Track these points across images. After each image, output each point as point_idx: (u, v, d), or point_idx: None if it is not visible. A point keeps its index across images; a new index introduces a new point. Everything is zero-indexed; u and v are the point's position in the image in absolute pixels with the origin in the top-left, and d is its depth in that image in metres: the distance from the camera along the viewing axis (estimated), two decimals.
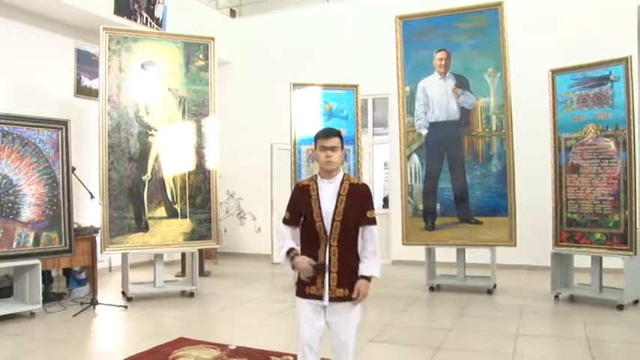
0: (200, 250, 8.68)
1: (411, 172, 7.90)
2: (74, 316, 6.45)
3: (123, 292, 7.46)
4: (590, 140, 6.76)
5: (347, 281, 3.31)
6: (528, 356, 4.90)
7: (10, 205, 6.41)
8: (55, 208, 6.78)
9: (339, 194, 3.34)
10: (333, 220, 3.31)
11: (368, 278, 3.30)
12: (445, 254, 8.12)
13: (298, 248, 3.41)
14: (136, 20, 8.80)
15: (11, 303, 6.61)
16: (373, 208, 3.41)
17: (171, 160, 7.55)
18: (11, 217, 6.41)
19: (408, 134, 7.91)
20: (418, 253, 8.22)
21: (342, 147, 3.39)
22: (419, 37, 7.82)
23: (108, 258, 8.88)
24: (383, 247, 10.32)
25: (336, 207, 3.31)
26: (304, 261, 3.29)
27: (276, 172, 10.46)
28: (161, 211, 7.48)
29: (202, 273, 9.05)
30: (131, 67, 7.36)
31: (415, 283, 8.20)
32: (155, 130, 7.48)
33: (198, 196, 7.67)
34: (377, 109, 10.99)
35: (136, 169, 7.35)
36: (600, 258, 6.81)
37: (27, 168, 6.60)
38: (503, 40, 7.33)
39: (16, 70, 7.95)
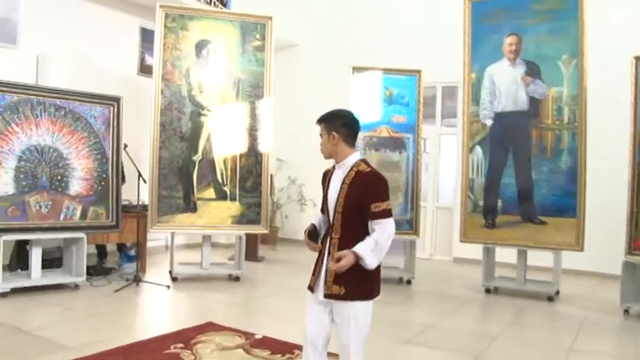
0: (254, 235, 8.57)
1: (472, 166, 7.38)
2: (116, 291, 6.48)
3: (170, 272, 7.44)
4: None
5: (345, 279, 2.97)
6: None
7: (59, 178, 6.50)
8: (103, 183, 6.83)
9: (343, 182, 3.05)
10: (335, 210, 3.05)
11: (355, 254, 2.88)
12: (506, 255, 7.54)
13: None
14: None
15: (59, 274, 6.74)
16: (382, 200, 2.97)
17: (223, 141, 7.43)
18: (60, 189, 6.50)
19: (471, 124, 7.39)
20: (480, 251, 7.68)
21: (337, 132, 3.04)
22: (489, 19, 7.25)
23: (165, 236, 8.91)
24: (446, 242, 9.87)
25: (338, 196, 3.05)
26: (307, 242, 3.19)
27: None
28: (210, 193, 7.39)
29: (256, 258, 8.92)
30: (186, 45, 7.28)
31: (471, 283, 7.69)
32: (208, 109, 7.38)
33: (248, 179, 7.51)
34: (452, 98, 10.42)
35: (186, 148, 7.29)
36: None
37: (77, 142, 6.67)
38: (581, 24, 6.64)
39: (81, 48, 8.14)
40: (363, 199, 2.96)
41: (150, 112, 7.17)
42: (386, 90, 7.83)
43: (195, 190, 7.32)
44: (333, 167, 3.18)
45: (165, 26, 7.14)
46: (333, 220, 3.05)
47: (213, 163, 7.41)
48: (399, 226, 8.03)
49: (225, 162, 7.44)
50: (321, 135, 3.11)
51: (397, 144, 7.83)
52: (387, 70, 7.89)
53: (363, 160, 3.09)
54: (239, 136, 7.49)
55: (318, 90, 10.92)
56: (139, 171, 6.94)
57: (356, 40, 10.60)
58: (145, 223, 7.25)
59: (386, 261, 3.25)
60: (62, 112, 6.55)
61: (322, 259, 3.09)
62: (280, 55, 10.89)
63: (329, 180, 3.16)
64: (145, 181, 6.98)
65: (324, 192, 3.19)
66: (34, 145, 6.35)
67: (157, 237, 8.31)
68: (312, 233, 3.17)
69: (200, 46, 7.33)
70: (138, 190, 7.00)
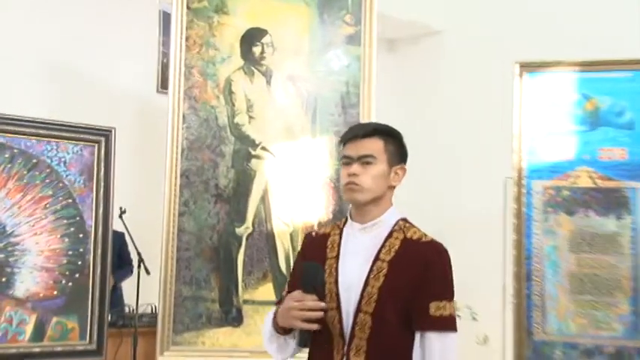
0: None
1: None
2: None
3: None
4: None
5: None
6: None
7: None
8: (78, 275, 4.09)
9: (376, 257, 1.82)
10: (358, 309, 1.79)
11: None
12: None
13: None
14: None
15: None
16: (449, 298, 1.79)
17: (289, 201, 4.50)
18: None
19: None
20: None
21: (399, 161, 1.89)
22: None
23: None
24: None
25: (366, 283, 1.80)
26: (288, 299, 1.81)
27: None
28: (267, 291, 4.41)
29: None
30: (225, 39, 4.48)
31: None
32: (263, 148, 4.47)
33: None
34: None
35: (226, 214, 4.37)
36: None
37: (34, 206, 4.05)
38: None
39: (59, 50, 5.42)
40: (416, 292, 1.79)
41: (165, 154, 4.36)
42: (585, 101, 4.34)
43: (240, 285, 4.38)
44: (338, 227, 1.94)
45: (188, 8, 4.40)
46: (351, 329, 1.79)
47: (273, 238, 4.45)
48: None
49: (292, 237, 4.44)
50: (364, 159, 1.81)
51: (612, 201, 4.26)
52: (587, 65, 4.37)
53: (406, 220, 1.92)
54: (316, 192, 4.46)
55: (477, 108, 7.14)
56: (139, 253, 4.18)
57: (529, 24, 6.81)
58: (154, 344, 4.34)
59: None
60: (7, 155, 3.97)
61: None
62: (413, 49, 7.62)
63: (336, 251, 1.88)
64: (147, 272, 4.13)
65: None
66: None
67: None
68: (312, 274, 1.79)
69: (249, 40, 4.48)
70: (137, 288, 4.16)
